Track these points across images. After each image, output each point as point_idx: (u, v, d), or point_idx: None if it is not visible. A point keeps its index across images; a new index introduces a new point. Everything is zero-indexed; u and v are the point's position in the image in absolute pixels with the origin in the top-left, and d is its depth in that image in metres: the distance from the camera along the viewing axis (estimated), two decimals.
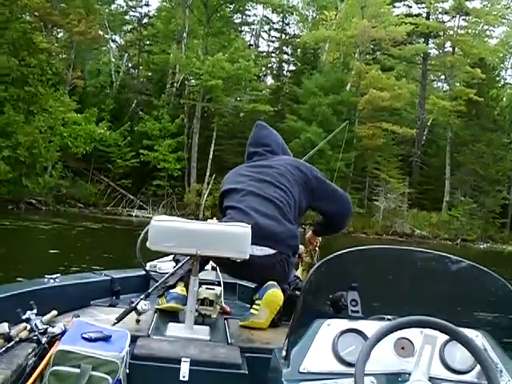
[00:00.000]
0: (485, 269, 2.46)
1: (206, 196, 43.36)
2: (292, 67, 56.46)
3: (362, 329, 2.26)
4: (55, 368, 2.69)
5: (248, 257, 3.52)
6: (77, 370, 2.69)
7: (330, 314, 2.43)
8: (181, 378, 2.97)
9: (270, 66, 57.51)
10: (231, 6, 51.18)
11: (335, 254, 2.45)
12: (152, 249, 3.58)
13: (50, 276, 3.95)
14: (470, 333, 2.21)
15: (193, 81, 44.99)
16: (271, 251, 3.83)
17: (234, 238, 3.58)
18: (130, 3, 52.92)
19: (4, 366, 2.64)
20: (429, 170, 50.67)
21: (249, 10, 55.03)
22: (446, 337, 2.15)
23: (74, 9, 41.28)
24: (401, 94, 44.80)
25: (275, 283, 3.71)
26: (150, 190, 43.72)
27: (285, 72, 57.07)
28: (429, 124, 51.77)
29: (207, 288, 4.06)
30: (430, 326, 2.07)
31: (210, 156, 44.52)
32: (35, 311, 3.16)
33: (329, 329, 2.28)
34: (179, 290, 3.91)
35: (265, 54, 57.21)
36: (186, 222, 3.66)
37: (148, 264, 4.75)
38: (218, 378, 3.00)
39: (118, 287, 4.41)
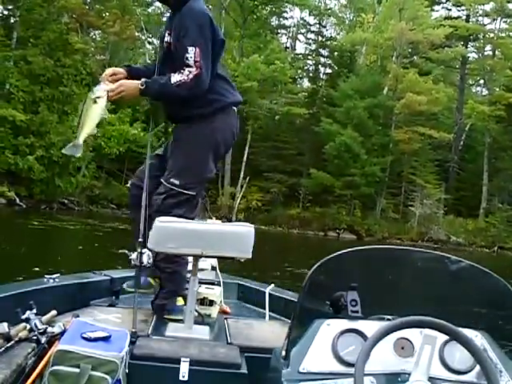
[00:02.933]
0: (484, 269, 2.48)
1: (239, 199, 43.17)
2: (328, 70, 56.12)
3: (361, 329, 2.27)
4: (55, 368, 2.72)
5: (251, 256, 3.60)
6: (76, 370, 2.72)
7: (330, 314, 2.45)
8: (180, 378, 3.00)
9: (306, 68, 57.32)
10: (267, 8, 51.05)
11: (335, 253, 2.45)
12: (155, 250, 3.66)
13: (49, 276, 4.00)
14: (469, 333, 2.21)
15: None
16: None
17: (238, 237, 3.62)
18: None
19: (3, 365, 2.64)
20: (466, 176, 49.89)
21: (286, 12, 54.99)
22: (446, 337, 2.15)
23: (110, 10, 41.45)
24: (438, 99, 44.14)
25: None
26: None
27: (321, 75, 56.72)
28: (466, 129, 50.92)
29: (207, 288, 4.17)
30: (429, 326, 2.07)
31: (244, 158, 44.36)
32: (35, 311, 3.16)
33: (328, 329, 2.28)
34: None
35: (301, 56, 56.97)
36: (189, 223, 3.68)
37: None
38: (218, 378, 3.03)
39: (118, 287, 4.41)
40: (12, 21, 39.06)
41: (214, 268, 4.86)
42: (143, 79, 3.91)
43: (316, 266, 2.44)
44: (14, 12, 38.70)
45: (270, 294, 4.56)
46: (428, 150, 46.86)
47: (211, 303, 4.05)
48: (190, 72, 3.86)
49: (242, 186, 43.64)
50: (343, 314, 2.42)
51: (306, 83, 56.80)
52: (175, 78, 3.86)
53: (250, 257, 3.57)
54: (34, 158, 34.00)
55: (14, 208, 32.39)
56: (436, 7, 54.19)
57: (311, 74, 57.26)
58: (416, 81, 44.15)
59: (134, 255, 3.79)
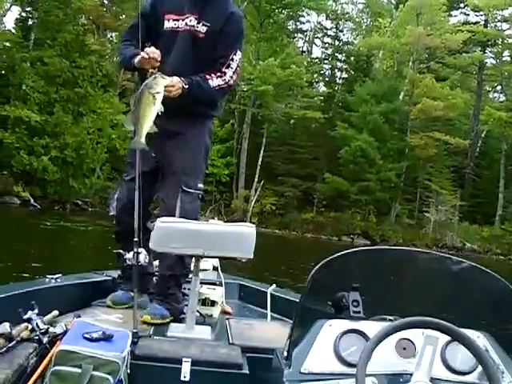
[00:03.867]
0: (486, 269, 2.48)
1: (253, 202, 43.08)
2: (344, 74, 56.05)
3: (363, 329, 2.27)
4: (56, 368, 2.72)
5: (252, 256, 3.61)
6: (78, 370, 2.72)
7: (332, 315, 2.45)
8: (182, 378, 2.99)
9: (322, 72, 57.26)
10: (284, 12, 51.03)
11: (337, 254, 2.45)
12: (157, 250, 3.67)
13: (51, 276, 4.00)
14: (471, 333, 2.23)
15: (244, 86, 44.72)
16: None
17: (240, 237, 3.63)
18: None
19: (5, 365, 2.64)
20: (482, 183, 49.50)
21: (302, 16, 54.90)
22: (448, 337, 2.15)
23: (126, 11, 41.55)
24: (455, 104, 43.92)
25: None
26: None
27: (337, 79, 56.65)
28: (483, 135, 50.59)
29: (208, 288, 4.18)
30: (431, 327, 2.07)
31: (259, 162, 44.28)
32: (36, 311, 3.14)
33: (330, 329, 2.29)
34: None
35: (317, 60, 56.91)
36: (191, 223, 3.67)
37: None
38: (219, 378, 3.02)
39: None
40: (30, 23, 39.25)
41: (215, 268, 4.89)
42: (184, 79, 3.74)
43: (318, 266, 2.45)
44: (33, 14, 38.92)
45: (271, 295, 4.53)
46: (444, 155, 46.62)
47: (213, 303, 4.06)
48: (231, 78, 3.84)
49: (256, 190, 43.55)
50: (345, 314, 2.43)
51: (322, 87, 56.70)
52: (216, 81, 3.80)
53: (252, 257, 3.58)
54: (48, 158, 34.18)
55: (28, 208, 32.51)
56: (454, 12, 53.98)
57: (327, 79, 57.17)
58: (432, 86, 43.96)
59: (129, 254, 3.71)
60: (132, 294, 3.76)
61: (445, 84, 45.74)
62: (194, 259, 3.69)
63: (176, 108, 3.70)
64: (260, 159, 44.43)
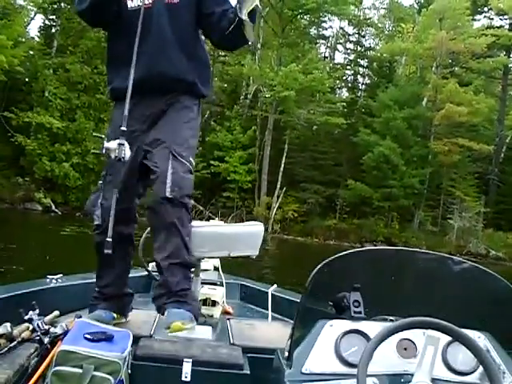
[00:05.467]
0: (488, 270, 2.51)
1: (275, 209, 42.93)
2: (367, 80, 56.01)
3: (364, 330, 2.28)
4: (57, 368, 2.73)
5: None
6: (79, 371, 2.73)
7: (333, 315, 2.46)
8: (183, 379, 2.99)
9: (344, 78, 57.13)
10: (306, 18, 51.01)
11: (338, 254, 2.46)
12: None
13: (52, 276, 4.05)
14: (472, 334, 2.24)
15: (266, 92, 44.67)
16: None
17: (254, 236, 3.80)
18: None
19: (6, 366, 2.67)
20: (506, 189, 48.89)
21: (325, 22, 54.87)
22: (449, 338, 2.15)
23: None
24: (479, 109, 43.44)
25: None
26: (219, 201, 43.42)
27: (360, 85, 56.60)
28: (507, 141, 49.99)
29: (209, 288, 4.19)
30: (432, 327, 2.07)
31: (281, 169, 44.15)
32: (37, 311, 3.19)
33: (331, 330, 2.30)
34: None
35: (340, 66, 56.81)
36: (218, 226, 3.82)
37: (150, 264, 4.79)
38: (220, 379, 3.03)
39: None
40: (53, 30, 39.67)
41: (216, 268, 4.91)
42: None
43: (319, 266, 2.45)
44: (56, 22, 39.35)
45: (272, 295, 4.56)
46: (468, 162, 46.17)
47: (214, 304, 4.08)
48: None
49: (278, 197, 43.40)
50: (346, 314, 2.44)
51: (344, 93, 56.57)
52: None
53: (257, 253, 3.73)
54: (69, 165, 34.43)
55: (49, 215, 32.74)
56: (478, 16, 53.46)
57: (350, 84, 57.15)
58: (456, 91, 43.55)
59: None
60: (114, 314, 3.68)
61: (468, 89, 45.30)
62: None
63: (164, 83, 3.55)
64: (282, 166, 44.31)
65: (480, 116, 44.31)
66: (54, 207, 34.38)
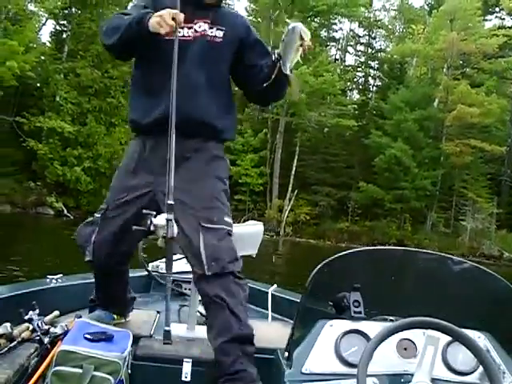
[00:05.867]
0: (488, 270, 2.51)
1: (287, 212, 42.88)
2: (378, 82, 55.91)
3: (364, 330, 2.30)
4: (57, 368, 2.73)
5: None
6: (79, 371, 2.73)
7: (333, 315, 2.48)
8: (183, 379, 2.99)
9: (355, 80, 57.06)
10: (317, 20, 50.94)
11: (338, 254, 2.46)
12: None
13: (52, 276, 4.01)
14: (472, 334, 2.26)
15: None
16: None
17: (254, 236, 3.79)
18: None
19: (6, 365, 2.66)
20: None
21: (335, 24, 54.78)
22: (449, 338, 2.16)
23: None
24: (491, 110, 43.20)
25: None
26: (231, 204, 42.78)
27: (371, 87, 56.56)
28: None
29: None
30: (432, 327, 2.07)
31: (293, 171, 44.15)
32: (37, 311, 3.19)
33: (331, 329, 2.31)
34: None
35: (351, 68, 56.72)
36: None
37: (150, 264, 4.80)
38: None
39: None
40: (64, 36, 39.84)
41: None
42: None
43: (319, 266, 2.46)
44: (67, 27, 39.55)
45: (272, 295, 4.51)
46: (480, 163, 45.97)
47: None
48: None
49: (290, 199, 43.35)
50: (346, 314, 2.45)
51: (355, 95, 56.50)
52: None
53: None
54: (81, 169, 34.52)
55: (61, 219, 32.78)
56: (489, 17, 53.37)
57: (361, 86, 57.13)
58: (467, 92, 43.36)
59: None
60: (114, 315, 3.60)
61: (480, 90, 45.06)
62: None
63: (190, 127, 3.11)
64: (293, 168, 44.30)
65: (492, 117, 44.07)
66: (65, 211, 34.46)
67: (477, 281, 2.57)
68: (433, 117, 44.38)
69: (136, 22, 3.01)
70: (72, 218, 33.54)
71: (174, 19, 2.91)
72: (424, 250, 2.71)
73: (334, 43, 57.84)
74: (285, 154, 44.66)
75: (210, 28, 3.24)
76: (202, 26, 3.23)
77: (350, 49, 58.48)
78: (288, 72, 3.00)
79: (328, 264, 2.45)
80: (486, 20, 52.36)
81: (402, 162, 41.99)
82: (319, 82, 42.17)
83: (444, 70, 47.27)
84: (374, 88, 55.97)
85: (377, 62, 55.76)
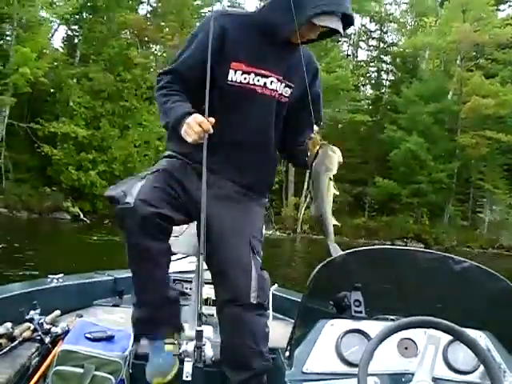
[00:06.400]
0: (489, 269, 2.51)
1: (303, 210, 42.78)
2: (391, 76, 55.61)
3: (365, 329, 2.30)
4: (58, 368, 2.74)
5: None
6: (80, 370, 2.74)
7: (334, 315, 2.48)
8: (184, 378, 2.95)
9: (368, 75, 56.84)
10: None
11: (338, 254, 2.44)
12: (190, 254, 3.65)
13: (53, 276, 4.01)
14: (473, 333, 2.25)
15: None
16: None
17: None
18: None
19: (7, 365, 2.68)
20: None
21: None
22: (450, 337, 2.17)
23: (169, 23, 41.87)
24: (506, 101, 42.80)
25: None
26: None
27: (384, 81, 56.24)
28: None
29: (210, 288, 3.85)
30: (433, 327, 2.07)
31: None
32: (38, 311, 3.22)
33: (332, 329, 2.32)
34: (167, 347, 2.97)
35: (363, 63, 56.53)
36: None
37: None
38: (221, 378, 2.92)
39: (122, 287, 4.43)
40: (76, 41, 40.05)
41: None
42: None
43: (320, 266, 2.46)
44: (78, 31, 39.78)
45: (273, 294, 4.42)
46: (496, 154, 45.61)
47: (214, 303, 3.80)
48: None
49: (306, 197, 43.19)
50: (347, 314, 2.46)
51: (368, 90, 56.30)
52: None
53: None
54: (96, 173, 34.66)
55: (78, 223, 32.91)
56: (502, 6, 52.94)
57: (374, 81, 56.86)
58: (482, 83, 43.07)
59: None
60: (165, 340, 2.95)
61: (495, 81, 44.74)
62: (195, 258, 3.48)
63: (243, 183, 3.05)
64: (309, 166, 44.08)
65: (507, 107, 43.65)
66: (82, 216, 34.59)
67: (477, 280, 2.56)
68: (447, 109, 44.12)
69: (172, 126, 2.82)
70: (88, 222, 33.73)
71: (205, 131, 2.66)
72: (426, 250, 2.72)
73: (345, 39, 57.63)
74: None
75: (281, 84, 3.00)
76: (273, 83, 2.97)
77: (362, 44, 58.27)
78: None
79: (329, 264, 2.45)
80: (499, 10, 52.01)
81: (418, 155, 41.79)
82: (332, 78, 41.95)
83: (457, 61, 47.00)
84: (387, 82, 55.69)
85: (389, 57, 55.45)
